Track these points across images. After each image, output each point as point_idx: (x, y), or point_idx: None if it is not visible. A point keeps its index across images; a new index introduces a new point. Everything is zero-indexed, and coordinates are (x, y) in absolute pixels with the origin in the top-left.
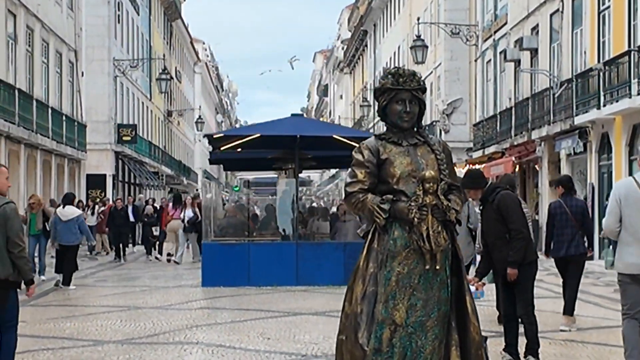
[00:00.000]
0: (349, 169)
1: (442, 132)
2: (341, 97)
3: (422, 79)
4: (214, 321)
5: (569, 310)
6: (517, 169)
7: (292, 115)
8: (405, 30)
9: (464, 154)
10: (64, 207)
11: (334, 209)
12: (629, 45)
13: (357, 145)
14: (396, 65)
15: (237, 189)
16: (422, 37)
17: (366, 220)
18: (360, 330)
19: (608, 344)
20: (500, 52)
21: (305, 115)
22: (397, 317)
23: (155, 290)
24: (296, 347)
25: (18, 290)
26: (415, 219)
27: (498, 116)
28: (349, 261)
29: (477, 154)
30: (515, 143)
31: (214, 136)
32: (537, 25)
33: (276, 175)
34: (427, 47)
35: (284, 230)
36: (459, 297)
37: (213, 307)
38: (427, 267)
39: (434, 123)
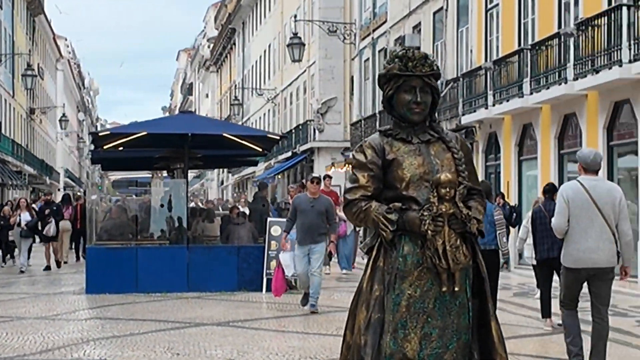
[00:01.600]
0: (350, 173)
1: (316, 132)
2: (207, 95)
3: (435, 62)
4: (111, 334)
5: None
6: None
7: (181, 112)
8: (276, 29)
9: (339, 154)
10: None
11: (223, 211)
12: (520, 44)
13: (247, 143)
14: (266, 63)
15: (100, 189)
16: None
17: (369, 233)
18: None
19: (547, 357)
20: (380, 51)
21: (168, 113)
22: (409, 349)
23: (37, 298)
24: None
25: None
26: (429, 232)
27: (377, 115)
28: (242, 266)
29: None
30: None
31: (100, 134)
32: (420, 23)
33: (150, 175)
34: (304, 45)
35: (161, 231)
36: (482, 324)
37: (105, 317)
38: (444, 289)
39: (308, 122)
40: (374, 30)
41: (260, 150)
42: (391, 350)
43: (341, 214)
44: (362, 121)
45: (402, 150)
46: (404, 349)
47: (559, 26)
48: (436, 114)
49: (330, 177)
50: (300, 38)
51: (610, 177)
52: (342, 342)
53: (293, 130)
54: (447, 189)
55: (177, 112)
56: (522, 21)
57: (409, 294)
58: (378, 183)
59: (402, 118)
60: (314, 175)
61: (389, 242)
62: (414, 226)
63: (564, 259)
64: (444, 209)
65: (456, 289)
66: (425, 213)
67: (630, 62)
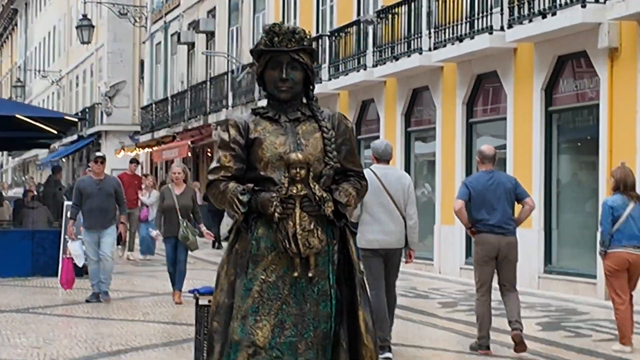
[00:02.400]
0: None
1: (104, 115)
2: None
3: (307, 36)
4: None
5: None
6: (190, 154)
7: None
8: (62, 10)
9: (127, 138)
10: None
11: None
12: (318, 31)
13: (42, 125)
14: (51, 45)
15: None
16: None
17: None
18: (213, 354)
19: None
20: (172, 35)
21: None
22: (260, 336)
23: None
24: (17, 352)
25: None
26: (276, 214)
27: (170, 99)
28: (37, 250)
29: (145, 138)
30: (190, 127)
31: None
32: (214, 8)
33: None
34: (93, 27)
35: None
36: (350, 313)
37: None
38: (295, 274)
39: (96, 105)
40: (166, 14)
41: (56, 132)
42: (239, 337)
43: (143, 198)
44: (153, 105)
45: (267, 129)
46: (254, 336)
47: (359, 13)
48: (312, 92)
49: (138, 162)
50: (89, 20)
51: (407, 162)
52: None
53: (79, 113)
54: (297, 170)
55: None
56: (321, 7)
57: (262, 279)
58: (241, 163)
59: (271, 96)
60: (98, 154)
61: (243, 224)
62: (265, 208)
63: (360, 241)
64: (294, 191)
65: (309, 274)
66: (274, 195)
67: (430, 50)
